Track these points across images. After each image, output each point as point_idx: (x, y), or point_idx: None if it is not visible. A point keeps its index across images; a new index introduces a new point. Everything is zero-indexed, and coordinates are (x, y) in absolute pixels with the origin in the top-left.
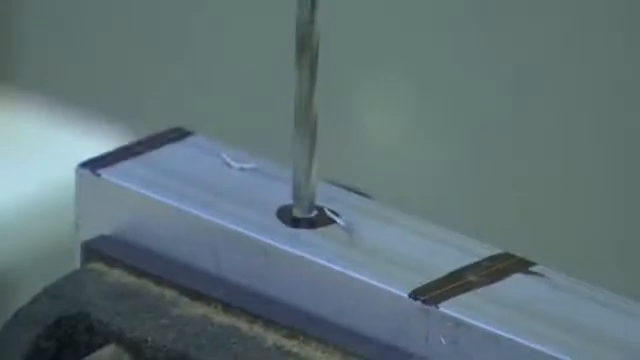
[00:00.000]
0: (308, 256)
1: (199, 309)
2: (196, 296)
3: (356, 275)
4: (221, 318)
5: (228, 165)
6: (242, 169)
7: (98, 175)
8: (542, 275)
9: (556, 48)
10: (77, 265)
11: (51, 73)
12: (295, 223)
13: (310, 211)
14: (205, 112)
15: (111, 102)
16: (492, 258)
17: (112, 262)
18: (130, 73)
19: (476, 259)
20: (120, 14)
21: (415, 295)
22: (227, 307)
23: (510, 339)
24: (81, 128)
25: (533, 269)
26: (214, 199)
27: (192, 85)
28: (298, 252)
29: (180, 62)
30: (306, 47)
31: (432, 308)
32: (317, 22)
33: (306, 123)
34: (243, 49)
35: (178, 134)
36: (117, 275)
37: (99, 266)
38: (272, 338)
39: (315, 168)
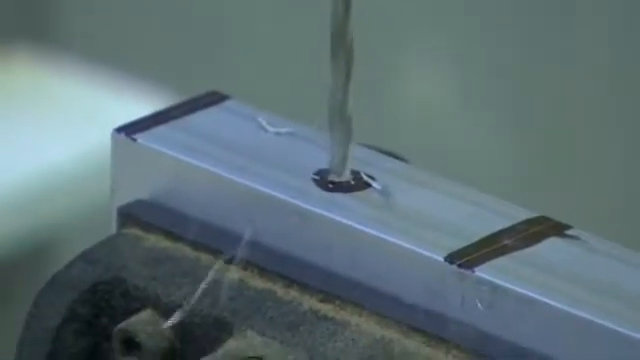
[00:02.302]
0: (344, 220)
1: (235, 273)
2: (232, 260)
3: (392, 239)
4: (257, 282)
5: (264, 129)
6: (278, 133)
7: (134, 140)
8: (578, 238)
9: (607, 25)
10: (113, 230)
11: (91, 37)
12: (331, 187)
13: (346, 175)
14: (242, 76)
15: (148, 66)
16: (528, 221)
17: (148, 227)
18: (168, 37)
19: (512, 222)
20: None
21: (451, 259)
22: (263, 271)
23: (546, 303)
24: (118, 92)
25: (569, 232)
26: (250, 163)
27: (230, 49)
28: (334, 216)
29: (219, 25)
30: (341, 35)
31: (468, 272)
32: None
33: (343, 87)
34: (281, 15)
35: (214, 98)
36: (153, 240)
37: (135, 231)
38: (308, 302)
39: (352, 133)
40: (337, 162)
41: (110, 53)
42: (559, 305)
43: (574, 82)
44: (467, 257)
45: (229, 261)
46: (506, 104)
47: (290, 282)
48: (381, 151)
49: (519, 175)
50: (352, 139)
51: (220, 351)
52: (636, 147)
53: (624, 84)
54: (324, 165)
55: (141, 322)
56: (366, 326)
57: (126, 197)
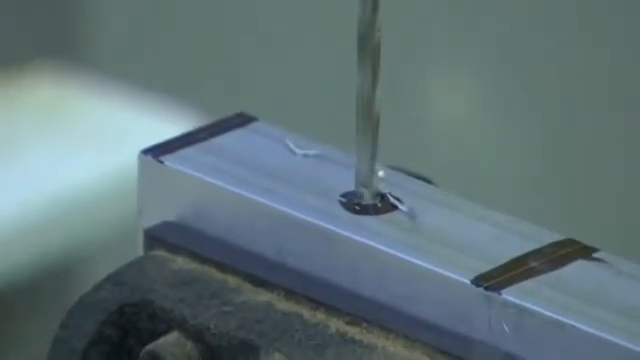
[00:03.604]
0: (371, 242)
1: (262, 296)
2: (259, 283)
3: (419, 262)
4: (284, 305)
5: (292, 151)
6: (306, 155)
7: (161, 162)
8: (605, 261)
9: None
10: (139, 252)
11: (117, 56)
12: (358, 209)
13: (373, 198)
14: (269, 98)
15: (175, 87)
16: (555, 244)
17: (175, 249)
18: (195, 58)
19: (539, 245)
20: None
21: (478, 282)
22: (290, 294)
23: (573, 326)
24: (144, 112)
25: (596, 255)
26: (277, 185)
27: (258, 71)
28: (361, 238)
29: (246, 47)
30: (367, 42)
31: (495, 295)
32: (379, 17)
33: (369, 110)
34: (308, 38)
35: (242, 120)
36: (180, 262)
37: (162, 253)
38: (335, 325)
39: (378, 155)
40: (364, 185)
41: (136, 73)
42: (586, 328)
43: (607, 100)
44: (494, 280)
45: (256, 283)
46: (536, 124)
47: (317, 304)
48: (408, 173)
49: (547, 197)
50: (379, 161)
51: None
52: None
53: None
54: (351, 187)
55: (168, 344)
56: (393, 349)
57: (153, 219)
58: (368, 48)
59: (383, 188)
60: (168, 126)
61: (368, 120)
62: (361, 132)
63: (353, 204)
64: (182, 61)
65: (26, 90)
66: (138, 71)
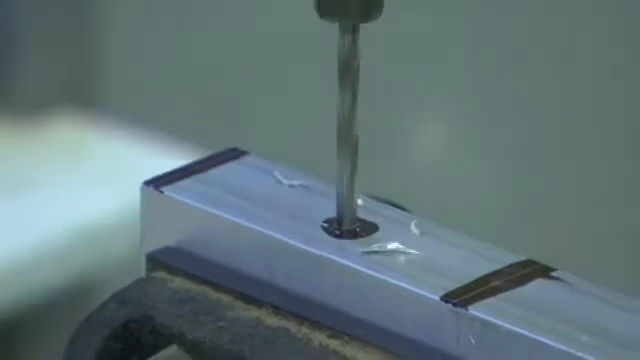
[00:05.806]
0: (350, 264)
1: (252, 312)
2: (250, 300)
3: (394, 281)
4: (272, 320)
5: (279, 182)
6: (292, 186)
7: (161, 192)
8: (562, 280)
9: (612, 71)
10: (143, 274)
11: (127, 104)
12: (338, 234)
13: (352, 223)
14: (258, 134)
15: (174, 125)
16: (517, 265)
17: (174, 271)
18: (195, 103)
19: (502, 266)
20: (187, 40)
21: (447, 299)
22: (277, 310)
23: (534, 338)
24: (151, 151)
25: (554, 274)
26: (266, 213)
27: (250, 111)
28: (341, 260)
29: (238, 92)
30: (348, 68)
31: (462, 310)
32: (359, 50)
33: (348, 144)
34: (293, 75)
35: (234, 154)
36: (178, 282)
37: (162, 274)
38: (318, 338)
39: (357, 185)
40: (344, 212)
41: (143, 117)
42: (545, 340)
43: (590, 134)
44: (461, 297)
45: (247, 301)
46: (505, 157)
47: (302, 320)
48: (384, 201)
49: (511, 221)
50: (358, 190)
51: None
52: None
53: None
54: (332, 214)
55: (168, 357)
56: None
57: (154, 244)
58: (347, 81)
59: (361, 214)
60: (171, 162)
61: (347, 154)
62: (341, 164)
63: (334, 229)
64: (183, 105)
65: (44, 131)
66: (145, 115)
